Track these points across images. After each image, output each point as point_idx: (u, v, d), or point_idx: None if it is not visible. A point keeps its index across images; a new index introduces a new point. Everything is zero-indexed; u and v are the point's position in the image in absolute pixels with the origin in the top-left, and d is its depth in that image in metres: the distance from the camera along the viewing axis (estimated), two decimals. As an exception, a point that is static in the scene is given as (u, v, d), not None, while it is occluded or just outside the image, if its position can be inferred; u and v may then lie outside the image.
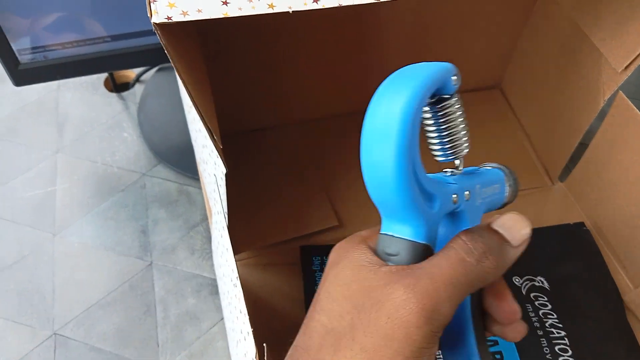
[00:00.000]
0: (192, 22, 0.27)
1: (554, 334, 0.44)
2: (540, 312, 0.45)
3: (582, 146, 0.51)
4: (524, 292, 0.46)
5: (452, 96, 0.24)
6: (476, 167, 0.28)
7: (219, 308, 0.48)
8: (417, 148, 0.21)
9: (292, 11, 0.27)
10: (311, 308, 0.23)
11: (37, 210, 0.55)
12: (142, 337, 0.47)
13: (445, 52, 0.59)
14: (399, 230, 0.23)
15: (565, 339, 0.43)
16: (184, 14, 0.26)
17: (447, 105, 0.24)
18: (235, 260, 0.35)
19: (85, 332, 0.47)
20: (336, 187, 0.54)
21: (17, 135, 0.61)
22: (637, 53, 0.41)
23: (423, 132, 0.25)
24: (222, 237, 0.40)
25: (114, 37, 0.51)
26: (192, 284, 0.50)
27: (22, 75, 0.51)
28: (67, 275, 0.50)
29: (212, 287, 0.50)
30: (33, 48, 0.50)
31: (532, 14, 0.56)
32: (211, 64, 0.50)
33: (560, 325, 0.44)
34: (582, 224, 0.52)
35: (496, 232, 0.24)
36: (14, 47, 0.49)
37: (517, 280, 0.47)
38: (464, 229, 0.24)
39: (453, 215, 0.25)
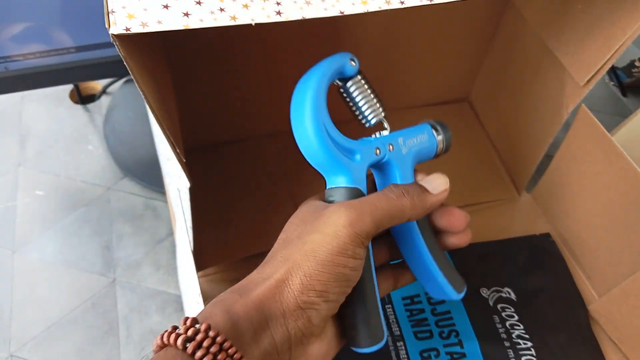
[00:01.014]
0: (155, 33, 0.26)
1: (521, 344, 0.44)
2: (507, 323, 0.45)
3: (548, 158, 0.52)
4: (491, 304, 0.47)
5: (355, 75, 0.32)
6: None
7: (185, 325, 0.47)
8: (327, 117, 0.29)
9: (255, 23, 0.27)
10: None
11: (-5, 226, 0.53)
12: (104, 357, 0.45)
13: (415, 66, 0.59)
14: (334, 182, 0.30)
15: (532, 349, 0.44)
16: (144, 25, 0.26)
17: (353, 82, 0.32)
18: (199, 275, 0.34)
19: (44, 352, 0.45)
20: (304, 199, 0.54)
21: (-24, 148, 0.59)
22: (599, 67, 0.42)
23: (349, 109, 0.33)
24: (185, 253, 0.39)
25: (79, 48, 0.50)
26: (157, 301, 0.49)
27: (-18, 87, 0.50)
28: (26, 293, 0.49)
29: (178, 304, 0.48)
30: (-7, 59, 0.49)
31: (499, 29, 0.57)
32: (176, 77, 0.49)
33: (527, 336, 0.45)
34: (548, 235, 0.53)
35: (417, 184, 0.31)
36: (-27, 58, 0.48)
37: (484, 291, 0.47)
38: (395, 173, 0.32)
39: (383, 165, 0.32)
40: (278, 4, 0.28)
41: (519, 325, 0.45)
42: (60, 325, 0.47)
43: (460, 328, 0.45)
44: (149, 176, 0.56)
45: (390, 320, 0.45)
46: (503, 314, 0.46)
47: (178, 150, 0.34)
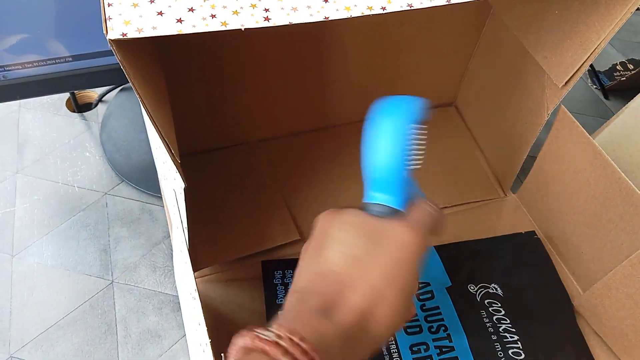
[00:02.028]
0: (150, 40, 0.28)
1: (507, 338, 0.45)
2: (494, 317, 0.47)
3: (532, 159, 0.54)
4: (478, 299, 0.48)
5: (421, 124, 0.34)
6: None
7: (180, 325, 0.48)
8: (410, 151, 0.32)
9: (245, 29, 0.29)
10: (316, 249, 0.30)
11: (-6, 232, 0.54)
12: (102, 357, 0.46)
13: (402, 71, 0.61)
14: (388, 201, 0.32)
15: (518, 342, 0.45)
16: (139, 30, 0.27)
17: (420, 129, 0.34)
18: (195, 275, 0.36)
19: (44, 354, 0.46)
20: (297, 202, 0.55)
21: (-25, 157, 0.60)
22: (576, 69, 0.44)
23: None
24: (181, 251, 0.40)
25: (75, 57, 0.52)
26: (154, 302, 0.50)
27: (-19, 96, 0.51)
28: (26, 296, 0.50)
29: (174, 304, 0.50)
30: (-8, 68, 0.50)
31: (482, 35, 0.59)
32: (170, 84, 0.51)
33: (513, 330, 0.46)
34: (533, 233, 0.54)
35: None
36: (-28, 68, 0.49)
37: (472, 287, 0.49)
38: None
39: None
40: (266, 10, 0.29)
41: (506, 320, 0.47)
42: (59, 326, 0.48)
43: (449, 323, 0.46)
44: (145, 181, 0.57)
45: (381, 317, 0.46)
46: (490, 309, 0.47)
47: (173, 152, 0.36)
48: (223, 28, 0.28)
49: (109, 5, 0.28)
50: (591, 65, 0.73)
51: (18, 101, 0.66)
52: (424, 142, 0.35)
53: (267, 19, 0.29)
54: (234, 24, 0.29)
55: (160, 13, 0.28)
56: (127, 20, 0.27)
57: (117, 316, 0.49)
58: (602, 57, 0.77)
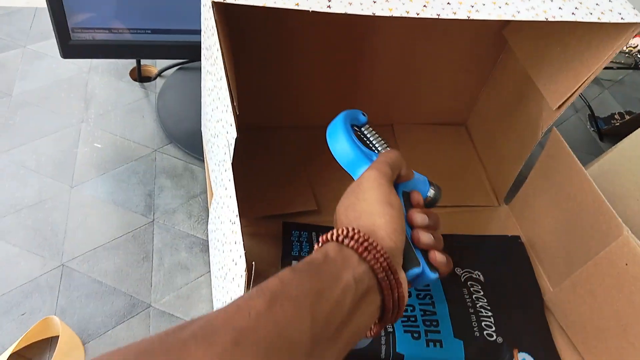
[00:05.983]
0: (234, 19, 0.37)
1: (483, 313, 0.53)
2: (474, 296, 0.54)
3: (525, 178, 0.62)
4: (462, 280, 0.56)
5: (366, 123, 0.48)
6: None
7: (206, 263, 0.57)
8: (353, 134, 0.46)
9: (311, 10, 0.38)
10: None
11: (58, 165, 0.63)
12: (138, 277, 0.55)
13: (423, 90, 0.70)
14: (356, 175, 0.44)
15: (491, 317, 0.53)
16: (234, -2, 0.37)
17: (365, 128, 0.48)
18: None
19: (90, 267, 0.55)
20: (319, 181, 0.64)
21: (48, 104, 0.70)
22: (568, 96, 0.53)
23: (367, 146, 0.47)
24: (226, 189, 0.49)
25: (154, 30, 0.61)
26: (187, 242, 0.58)
27: (71, 50, 0.61)
28: (79, 221, 0.58)
29: (203, 247, 0.58)
30: (84, 28, 0.60)
31: (496, 65, 0.68)
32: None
33: (489, 307, 0.53)
34: (518, 237, 0.62)
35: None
36: (69, 25, 0.59)
37: (458, 270, 0.57)
38: None
39: None
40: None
41: (483, 299, 0.54)
42: (105, 248, 0.56)
43: (435, 293, 0.54)
44: (191, 145, 0.66)
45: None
46: (471, 289, 0.55)
47: (235, 103, 0.45)
48: (296, 7, 0.38)
49: (214, -22, 0.38)
50: (592, 112, 0.82)
51: (89, 64, 0.76)
52: (373, 134, 0.47)
53: (329, 7, 0.39)
54: (304, 5, 0.38)
55: (252, -11, 0.38)
56: (227, -9, 0.37)
57: (154, 248, 0.57)
58: (603, 106, 0.86)
